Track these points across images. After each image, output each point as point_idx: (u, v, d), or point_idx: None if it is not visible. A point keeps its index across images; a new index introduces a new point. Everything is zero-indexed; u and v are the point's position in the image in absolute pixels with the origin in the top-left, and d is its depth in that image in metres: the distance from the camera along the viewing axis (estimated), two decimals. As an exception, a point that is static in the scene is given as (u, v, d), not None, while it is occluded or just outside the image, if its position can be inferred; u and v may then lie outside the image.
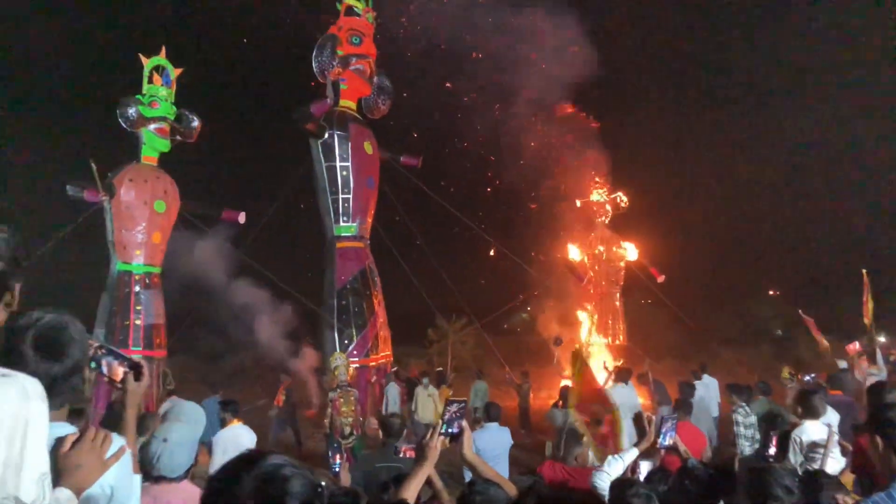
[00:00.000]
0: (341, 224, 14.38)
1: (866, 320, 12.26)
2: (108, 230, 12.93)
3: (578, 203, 21.19)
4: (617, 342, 20.04)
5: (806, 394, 5.74)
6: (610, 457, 4.12)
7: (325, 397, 10.43)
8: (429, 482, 3.05)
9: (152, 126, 13.08)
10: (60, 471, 1.65)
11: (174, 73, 13.44)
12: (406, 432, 6.57)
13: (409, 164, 16.35)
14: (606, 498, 3.10)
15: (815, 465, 4.95)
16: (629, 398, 9.60)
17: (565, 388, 8.02)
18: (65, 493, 1.65)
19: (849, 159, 33.08)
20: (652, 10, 35.67)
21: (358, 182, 14.52)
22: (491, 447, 6.68)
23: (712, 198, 36.76)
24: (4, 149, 27.54)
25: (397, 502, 2.47)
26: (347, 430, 9.68)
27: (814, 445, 5.28)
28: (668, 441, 4.24)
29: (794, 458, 5.33)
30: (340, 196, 14.49)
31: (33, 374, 1.65)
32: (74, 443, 1.71)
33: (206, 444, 6.16)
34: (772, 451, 5.12)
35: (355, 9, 14.94)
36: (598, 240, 20.79)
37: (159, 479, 2.97)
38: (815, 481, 3.56)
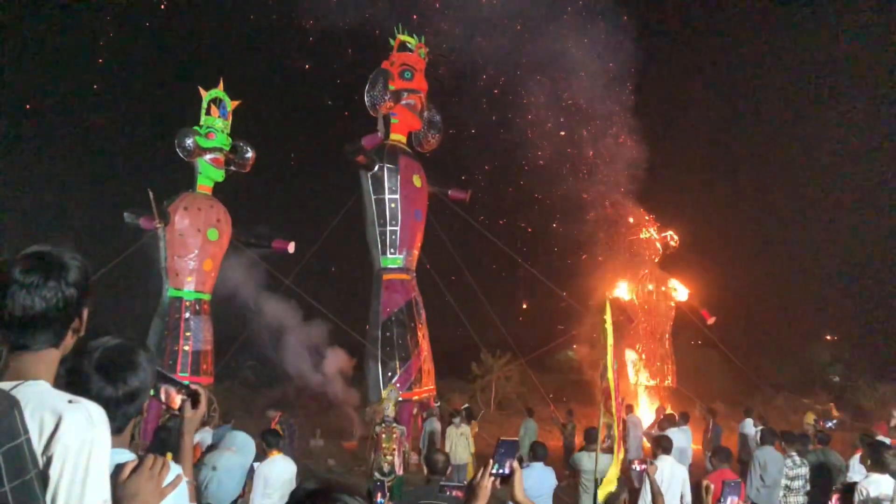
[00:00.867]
0: (388, 256, 14.46)
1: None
2: (161, 257, 13.25)
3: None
4: (666, 384, 19.50)
5: (875, 446, 5.49)
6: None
7: (368, 430, 10.23)
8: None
9: (208, 156, 13.42)
10: (119, 498, 1.64)
11: (231, 105, 13.83)
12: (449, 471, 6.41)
13: (458, 199, 16.40)
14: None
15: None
16: (680, 441, 9.29)
17: (592, 428, 7.76)
18: None
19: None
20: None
21: (406, 214, 14.61)
22: (535, 488, 6.47)
23: (767, 238, 35.92)
24: (66, 179, 28.68)
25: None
26: (386, 467, 9.24)
27: (881, 500, 5.05)
28: None
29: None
30: (388, 228, 14.59)
31: (90, 393, 1.67)
32: (133, 470, 1.70)
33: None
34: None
35: (408, 45, 15.24)
36: (648, 279, 20.40)
37: (206, 507, 2.93)
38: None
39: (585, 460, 7.56)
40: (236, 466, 3.07)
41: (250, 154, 13.96)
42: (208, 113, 13.57)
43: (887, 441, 6.01)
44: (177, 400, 2.21)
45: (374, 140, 14.13)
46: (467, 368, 24.88)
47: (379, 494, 9.36)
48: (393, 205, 14.27)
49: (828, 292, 34.42)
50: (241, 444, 3.64)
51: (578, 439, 15.12)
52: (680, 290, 20.32)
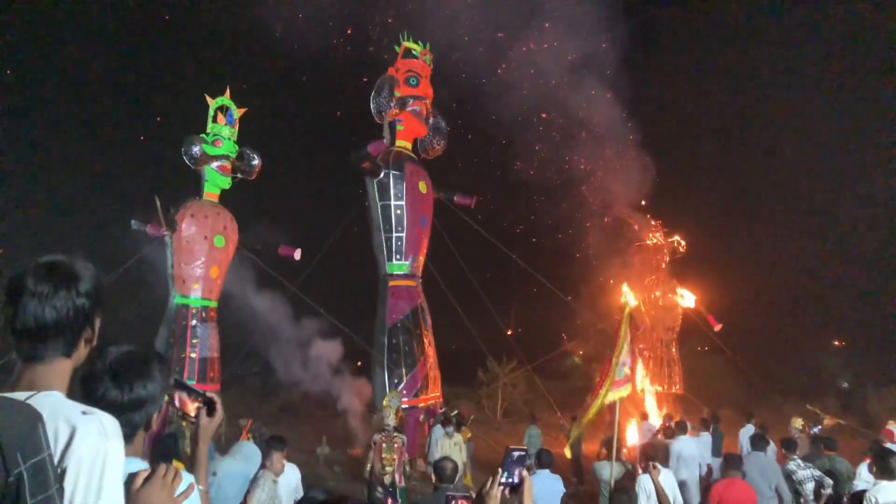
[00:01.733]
0: (394, 262, 14.48)
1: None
2: (168, 264, 13.28)
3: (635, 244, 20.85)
4: (673, 390, 19.42)
5: (882, 453, 5.45)
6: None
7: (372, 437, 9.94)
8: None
9: (215, 164, 13.45)
10: None
11: (237, 112, 13.88)
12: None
13: (463, 204, 16.40)
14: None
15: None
16: (693, 449, 9.20)
17: (608, 439, 7.70)
18: None
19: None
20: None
21: (411, 221, 14.62)
22: (542, 495, 6.44)
23: (775, 244, 35.75)
24: (72, 184, 28.79)
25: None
26: (387, 479, 8.86)
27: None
28: None
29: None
30: (394, 234, 14.61)
31: (97, 394, 1.73)
32: (146, 480, 1.70)
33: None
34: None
35: (413, 51, 15.27)
36: (655, 285, 20.32)
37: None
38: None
39: (603, 469, 7.54)
40: (237, 473, 3.07)
41: (257, 161, 13.99)
42: (215, 120, 13.62)
43: (895, 448, 5.94)
44: (191, 407, 2.20)
45: (380, 147, 14.16)
46: (474, 375, 24.90)
47: (389, 501, 9.07)
48: (398, 211, 14.29)
49: (836, 298, 34.24)
50: (248, 453, 3.65)
51: (584, 446, 15.10)
52: (687, 297, 20.25)
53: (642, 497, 6.42)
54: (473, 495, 2.50)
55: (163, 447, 7.90)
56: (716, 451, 11.15)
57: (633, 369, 7.45)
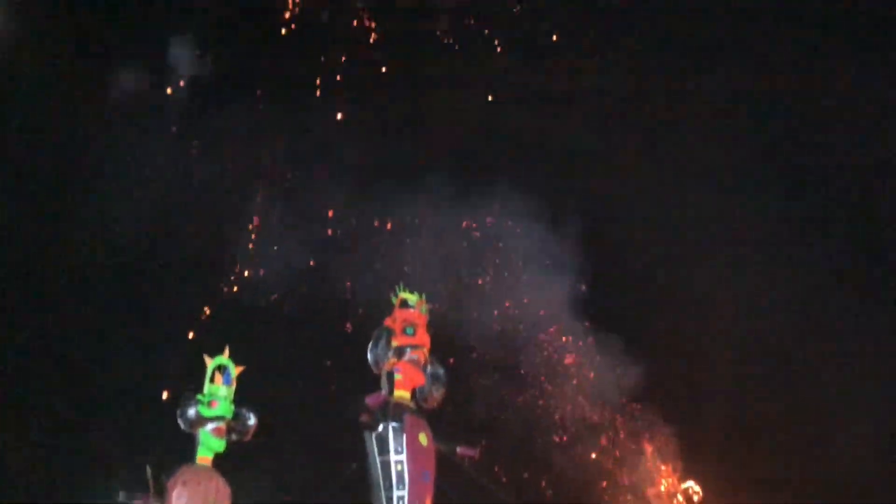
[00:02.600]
0: (396, 523, 13.53)
1: None
2: (154, 536, 12.36)
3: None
4: None
5: None
6: None
7: None
8: None
9: (210, 426, 13.10)
10: None
11: (235, 371, 13.82)
12: None
13: (467, 456, 15.74)
14: None
15: None
16: None
17: None
18: None
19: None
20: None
21: (414, 476, 13.90)
22: None
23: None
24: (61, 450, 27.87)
25: None
26: None
27: None
28: None
29: None
30: (395, 493, 13.80)
31: None
32: None
33: None
34: None
35: (409, 302, 15.70)
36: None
37: None
38: None
39: None
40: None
41: (252, 421, 13.60)
42: (212, 380, 13.52)
43: None
44: None
45: (378, 398, 13.94)
46: None
47: None
48: (399, 467, 13.62)
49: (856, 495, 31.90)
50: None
51: None
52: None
53: None
54: None
55: None
56: None
57: None
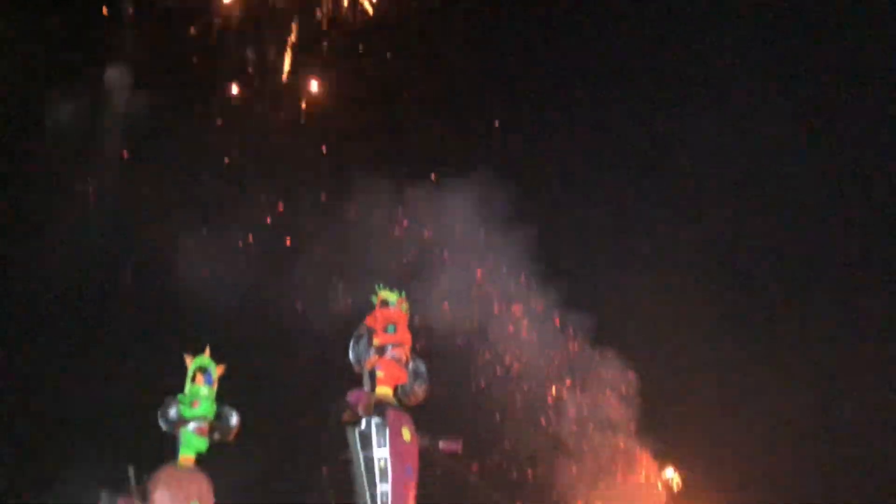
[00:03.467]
0: (380, 518, 13.62)
1: None
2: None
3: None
4: None
5: None
6: None
7: None
8: None
9: (191, 425, 13.09)
10: None
11: (216, 371, 13.79)
12: None
13: (450, 450, 15.83)
14: None
15: None
16: None
17: None
18: None
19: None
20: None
21: (397, 472, 13.96)
22: None
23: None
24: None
25: None
26: None
27: None
28: None
29: None
30: (379, 489, 13.88)
31: None
32: None
33: None
34: None
35: (389, 300, 15.75)
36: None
37: None
38: None
39: None
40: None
41: (235, 421, 13.59)
42: (194, 381, 13.50)
43: None
44: None
45: (360, 396, 14.00)
46: None
47: None
48: (382, 462, 13.74)
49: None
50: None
51: None
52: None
53: None
54: None
55: None
56: None
57: None
